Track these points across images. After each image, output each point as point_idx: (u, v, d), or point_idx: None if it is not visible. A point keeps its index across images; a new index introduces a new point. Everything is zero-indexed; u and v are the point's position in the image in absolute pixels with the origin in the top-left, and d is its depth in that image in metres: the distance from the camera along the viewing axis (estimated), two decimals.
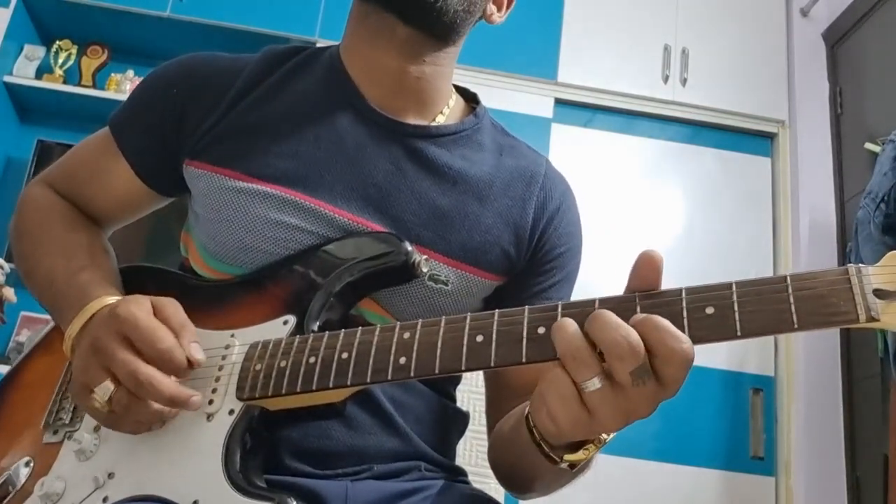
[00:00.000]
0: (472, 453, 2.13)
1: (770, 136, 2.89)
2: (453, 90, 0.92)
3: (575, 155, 2.74)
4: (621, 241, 2.66)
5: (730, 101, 2.86)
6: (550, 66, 2.82)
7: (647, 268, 0.57)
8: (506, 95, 2.74)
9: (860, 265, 0.52)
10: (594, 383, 0.53)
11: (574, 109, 2.83)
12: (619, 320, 0.53)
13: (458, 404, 0.90)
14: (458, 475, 0.84)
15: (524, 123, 2.70)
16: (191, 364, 0.68)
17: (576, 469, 0.64)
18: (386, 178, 0.81)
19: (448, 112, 0.89)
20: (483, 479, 1.41)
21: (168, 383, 0.65)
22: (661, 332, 0.52)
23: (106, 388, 0.65)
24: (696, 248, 2.72)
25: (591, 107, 2.84)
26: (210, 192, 0.80)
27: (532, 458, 0.64)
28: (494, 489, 1.16)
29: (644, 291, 0.57)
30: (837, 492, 2.41)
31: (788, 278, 0.53)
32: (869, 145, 2.49)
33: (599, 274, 2.18)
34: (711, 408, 2.53)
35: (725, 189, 2.81)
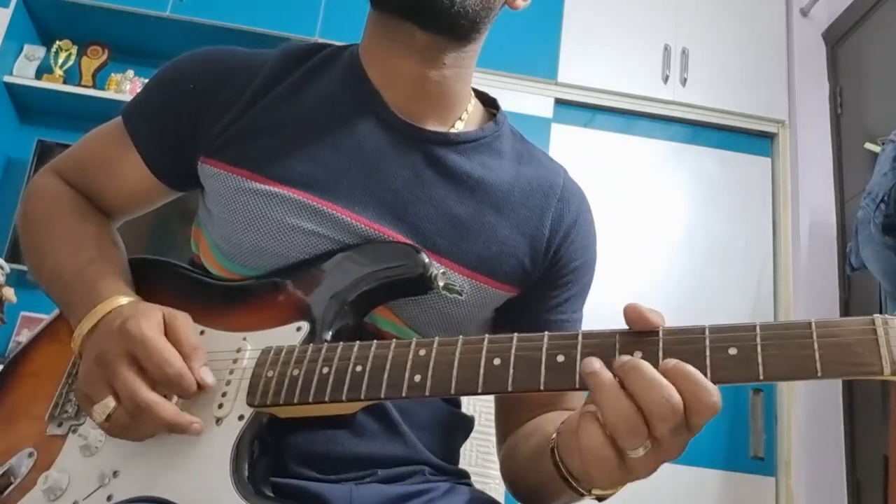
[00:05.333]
0: (472, 454, 2.13)
1: (770, 136, 2.90)
2: (472, 94, 0.90)
3: (575, 155, 2.73)
4: (622, 242, 2.66)
5: (730, 101, 2.86)
6: (550, 66, 2.82)
7: (639, 321, 0.56)
8: (506, 95, 2.72)
9: (887, 316, 0.51)
10: (639, 452, 0.53)
11: (574, 109, 2.83)
12: (659, 377, 0.52)
13: (463, 408, 0.89)
14: (462, 478, 0.84)
15: (524, 123, 2.70)
16: (199, 387, 0.67)
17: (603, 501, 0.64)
18: (404, 184, 0.79)
19: (467, 118, 0.87)
20: (484, 479, 1.41)
21: (168, 410, 0.64)
22: (693, 384, 0.52)
23: (105, 406, 0.64)
24: (696, 248, 2.72)
25: (591, 107, 2.85)
26: (225, 193, 0.78)
27: (556, 486, 0.64)
28: (495, 489, 1.16)
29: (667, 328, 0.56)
30: (837, 492, 2.41)
31: (813, 324, 0.52)
32: (869, 145, 2.49)
33: (599, 275, 2.17)
34: None
35: (725, 189, 2.81)
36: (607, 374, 0.53)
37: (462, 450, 0.90)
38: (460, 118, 0.86)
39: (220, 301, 0.77)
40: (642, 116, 2.87)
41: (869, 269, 2.16)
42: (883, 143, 2.27)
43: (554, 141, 2.76)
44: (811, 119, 2.83)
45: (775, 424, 2.55)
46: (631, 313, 0.56)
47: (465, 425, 0.88)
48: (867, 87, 2.68)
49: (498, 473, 1.21)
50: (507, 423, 0.86)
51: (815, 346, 0.51)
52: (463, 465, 0.87)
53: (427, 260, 0.74)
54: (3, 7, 2.70)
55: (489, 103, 0.92)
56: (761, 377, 0.52)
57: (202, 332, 0.73)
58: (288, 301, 0.74)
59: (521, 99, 2.77)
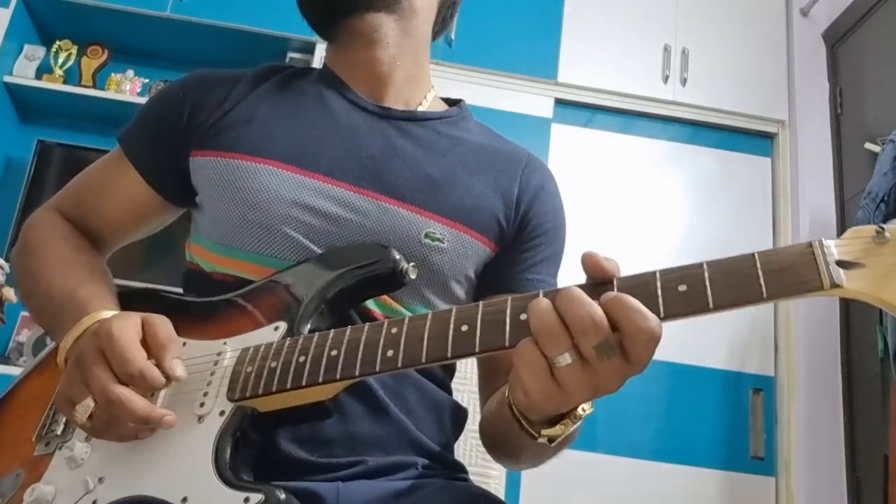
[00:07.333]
0: (471, 453, 2.13)
1: (770, 136, 2.90)
2: (432, 85, 0.99)
3: (575, 155, 2.73)
4: (621, 242, 2.66)
5: (730, 101, 2.86)
6: (550, 66, 2.82)
7: (594, 269, 0.59)
8: (506, 95, 2.74)
9: (822, 239, 0.55)
10: (565, 358, 0.55)
11: (574, 109, 2.83)
12: (585, 296, 0.55)
13: (463, 405, 0.90)
14: (457, 471, 0.84)
15: (524, 123, 2.70)
16: (170, 379, 0.68)
17: (555, 443, 0.66)
18: (380, 151, 0.88)
19: (428, 104, 0.96)
20: (484, 479, 1.41)
21: (139, 403, 0.66)
22: (629, 310, 0.54)
23: (86, 406, 0.66)
24: (696, 248, 2.72)
25: (591, 107, 2.85)
26: (214, 174, 0.85)
27: (514, 434, 0.67)
28: (494, 489, 1.16)
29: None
30: (837, 492, 2.41)
31: (756, 255, 0.57)
32: (869, 145, 2.49)
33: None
34: (711, 408, 2.52)
35: (725, 189, 2.81)
36: (544, 300, 0.57)
37: (461, 449, 0.90)
38: (420, 105, 0.96)
39: (202, 316, 0.80)
40: (642, 116, 2.87)
41: None
42: (883, 143, 2.27)
43: (554, 141, 2.75)
44: (811, 119, 2.83)
45: (775, 424, 2.55)
46: (588, 261, 0.59)
47: (457, 411, 0.90)
48: (867, 87, 2.68)
49: (498, 473, 1.21)
50: (485, 393, 0.90)
51: (759, 272, 0.55)
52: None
53: (397, 256, 0.77)
54: (3, 7, 2.70)
55: (454, 105, 1.01)
56: (711, 307, 0.55)
57: (184, 344, 0.75)
58: (265, 305, 0.77)
59: (521, 99, 2.76)
